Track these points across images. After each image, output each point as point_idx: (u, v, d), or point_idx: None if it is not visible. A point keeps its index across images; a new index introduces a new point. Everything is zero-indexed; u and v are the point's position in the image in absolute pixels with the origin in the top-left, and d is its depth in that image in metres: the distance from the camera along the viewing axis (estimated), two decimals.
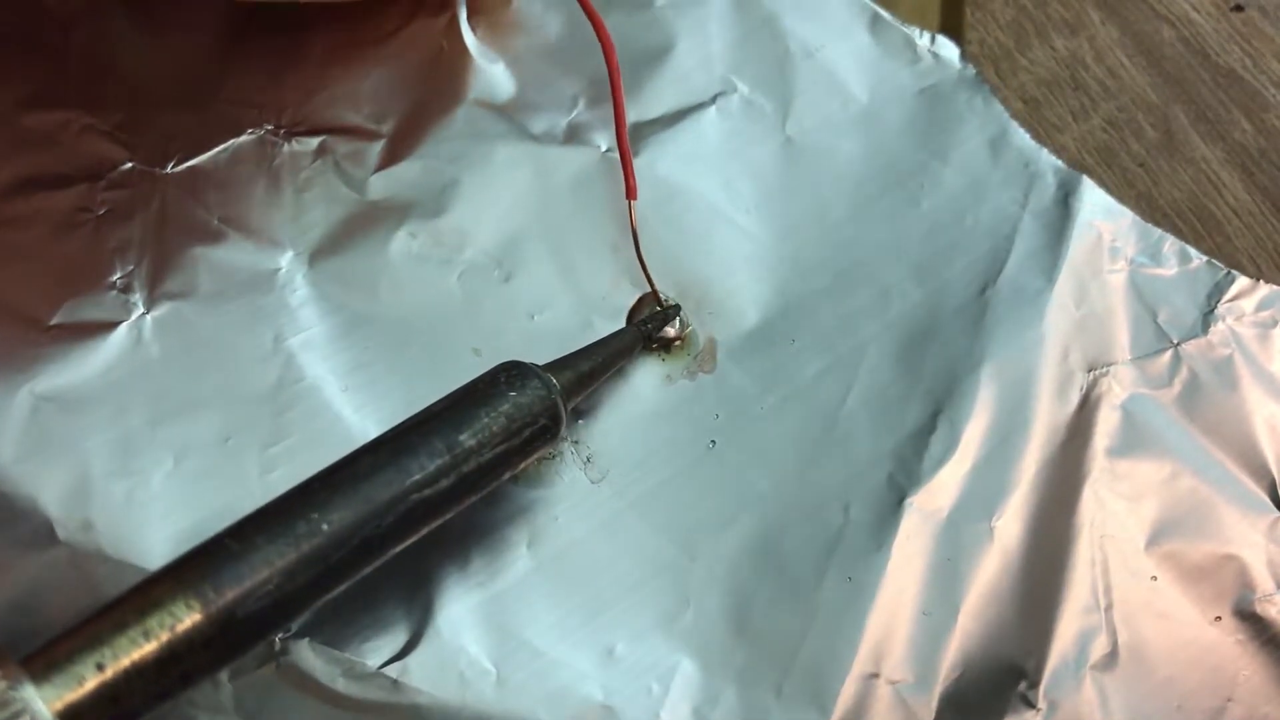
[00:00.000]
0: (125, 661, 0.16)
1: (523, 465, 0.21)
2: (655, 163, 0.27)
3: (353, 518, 0.19)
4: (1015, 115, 0.28)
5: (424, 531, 0.20)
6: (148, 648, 0.17)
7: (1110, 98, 0.31)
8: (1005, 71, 0.32)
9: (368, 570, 0.19)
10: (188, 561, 0.18)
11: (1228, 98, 0.32)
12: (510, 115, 0.27)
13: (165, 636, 0.17)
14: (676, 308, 0.26)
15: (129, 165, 0.25)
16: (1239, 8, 0.33)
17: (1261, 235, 0.30)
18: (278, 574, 0.18)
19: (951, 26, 0.32)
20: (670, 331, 0.26)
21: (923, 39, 0.29)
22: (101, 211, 0.25)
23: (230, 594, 0.17)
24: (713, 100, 0.28)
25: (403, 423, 0.20)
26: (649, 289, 0.26)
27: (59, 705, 0.16)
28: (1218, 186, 0.30)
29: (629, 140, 0.26)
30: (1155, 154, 0.31)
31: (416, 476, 0.19)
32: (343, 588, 0.19)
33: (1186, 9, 0.33)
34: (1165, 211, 0.30)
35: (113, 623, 0.17)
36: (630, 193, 0.26)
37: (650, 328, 0.25)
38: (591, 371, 0.23)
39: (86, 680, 0.16)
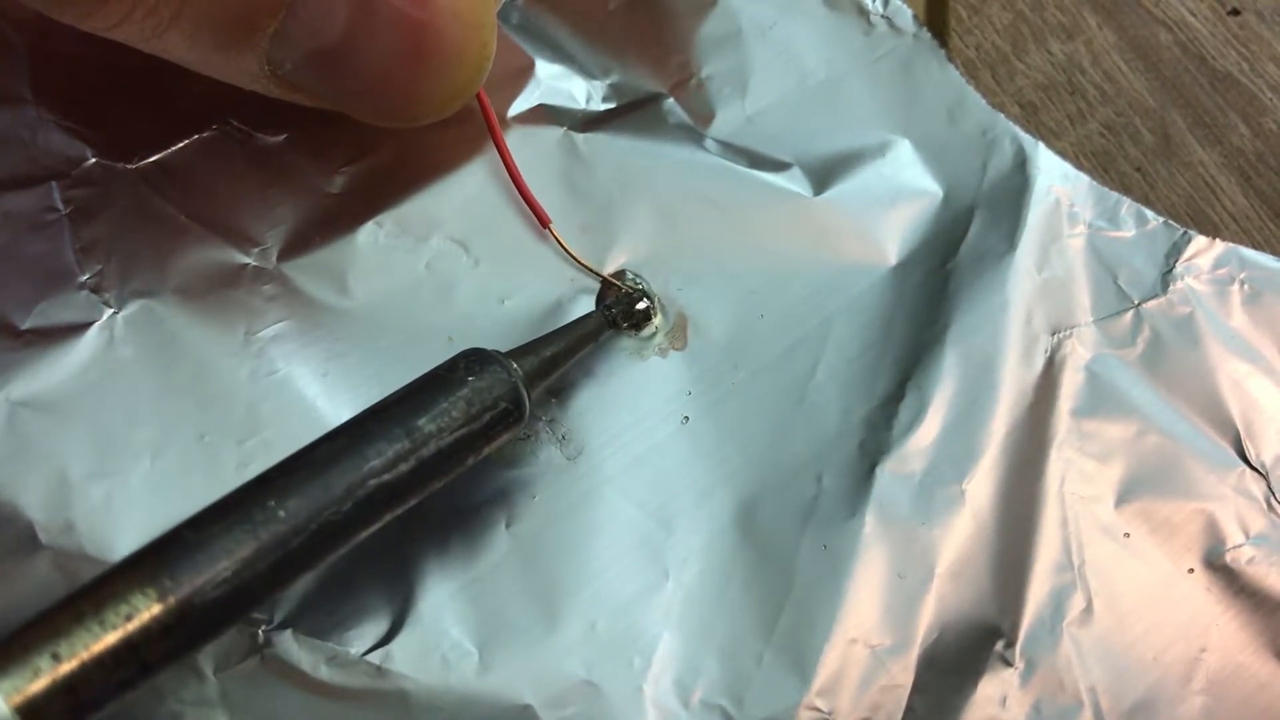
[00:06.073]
0: (82, 651, 0.17)
1: (487, 449, 0.21)
2: (618, 145, 0.27)
3: (310, 504, 0.19)
4: (1013, 120, 0.28)
5: (389, 517, 0.20)
6: (105, 637, 0.17)
7: (1107, 102, 0.31)
8: (1002, 76, 0.32)
9: (333, 557, 0.19)
10: (146, 552, 0.18)
11: (1225, 102, 0.32)
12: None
13: (122, 625, 0.17)
14: (642, 291, 0.26)
15: (92, 160, 0.25)
16: (1235, 11, 0.33)
17: (1259, 240, 0.30)
18: (235, 561, 0.18)
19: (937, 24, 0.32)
20: (639, 310, 0.26)
21: (875, 3, 0.29)
22: (68, 210, 0.25)
23: (187, 582, 0.17)
24: (669, 89, 0.28)
25: (362, 411, 0.21)
26: (618, 269, 0.26)
27: (17, 699, 0.16)
28: (1215, 191, 0.30)
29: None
30: (1152, 158, 0.31)
31: (374, 462, 0.19)
32: (307, 574, 0.19)
33: (1183, 13, 0.33)
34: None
35: (69, 615, 0.17)
36: (543, 222, 0.26)
37: (615, 312, 0.25)
38: (554, 356, 0.23)
39: (42, 671, 0.16)
